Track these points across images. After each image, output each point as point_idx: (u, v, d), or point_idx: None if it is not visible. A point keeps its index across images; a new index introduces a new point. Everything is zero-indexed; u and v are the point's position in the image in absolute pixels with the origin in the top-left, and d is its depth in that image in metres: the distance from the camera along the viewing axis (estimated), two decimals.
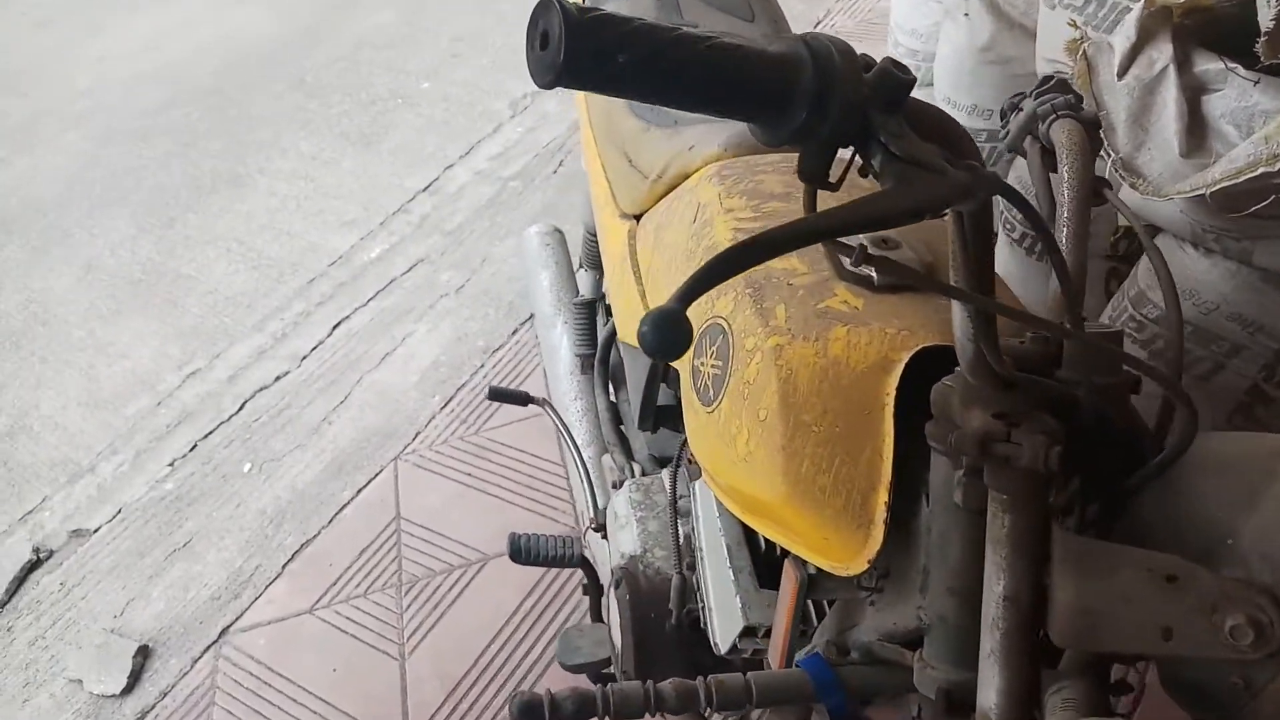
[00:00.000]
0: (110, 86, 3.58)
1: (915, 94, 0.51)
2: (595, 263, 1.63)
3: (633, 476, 1.31)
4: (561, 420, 1.45)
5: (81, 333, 2.56)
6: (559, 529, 1.85)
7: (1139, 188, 1.15)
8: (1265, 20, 1.06)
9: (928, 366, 0.69)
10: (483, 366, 2.26)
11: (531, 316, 2.26)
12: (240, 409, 2.28)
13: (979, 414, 0.59)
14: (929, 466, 0.69)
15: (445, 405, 2.18)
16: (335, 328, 2.46)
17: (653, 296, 1.04)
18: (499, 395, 1.50)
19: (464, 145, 3.03)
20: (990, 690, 0.63)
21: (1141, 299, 1.33)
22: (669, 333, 0.41)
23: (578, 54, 0.45)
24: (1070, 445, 0.58)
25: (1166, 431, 0.65)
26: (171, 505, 2.08)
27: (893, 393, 0.70)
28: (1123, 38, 1.16)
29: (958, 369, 0.63)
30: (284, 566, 1.91)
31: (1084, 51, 1.19)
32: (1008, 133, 0.82)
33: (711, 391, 0.83)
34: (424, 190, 2.88)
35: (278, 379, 2.35)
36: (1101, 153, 1.06)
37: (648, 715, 0.76)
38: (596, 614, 1.36)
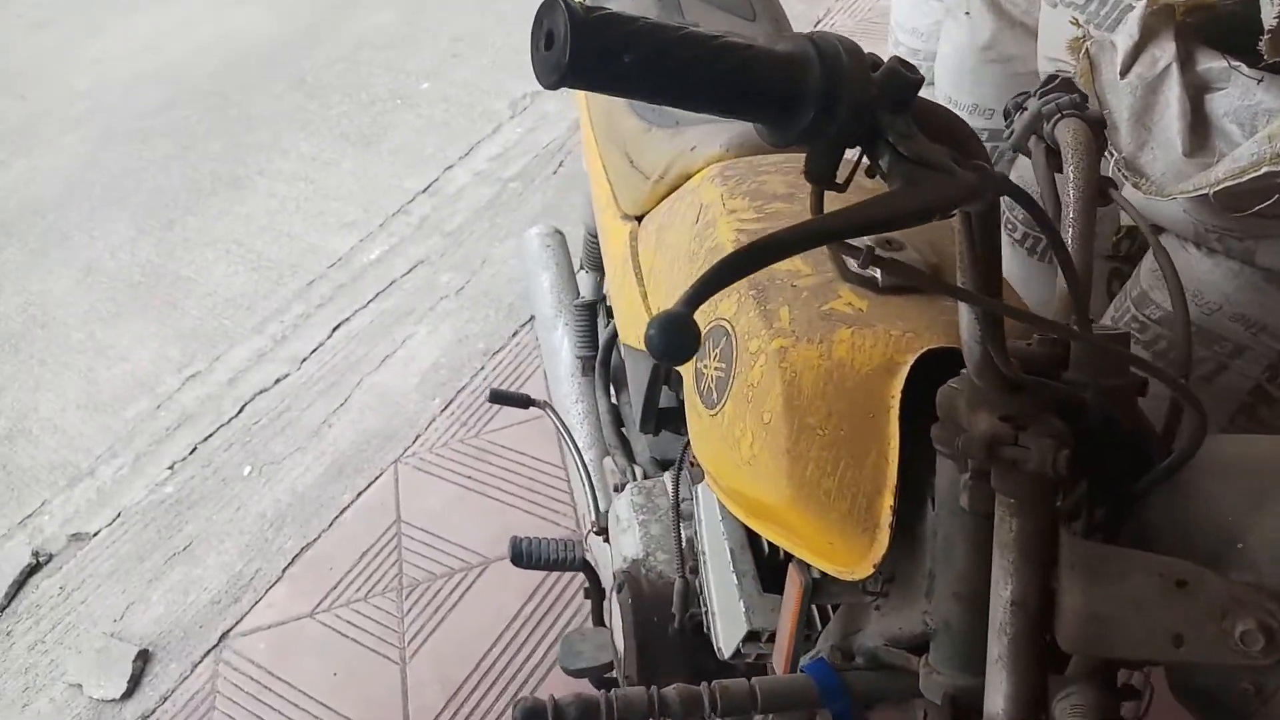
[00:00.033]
0: (109, 88, 3.57)
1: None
2: (596, 264, 1.63)
3: (634, 479, 1.30)
4: (563, 423, 1.44)
5: (81, 335, 2.55)
6: (560, 532, 1.84)
7: (1142, 187, 1.14)
8: (1268, 18, 1.05)
9: (933, 369, 0.69)
10: (483, 369, 2.25)
11: (532, 318, 2.26)
12: (240, 412, 2.28)
13: (986, 417, 0.58)
14: (934, 470, 0.68)
15: (446, 408, 2.17)
16: (335, 330, 2.46)
17: (654, 298, 1.03)
18: (500, 398, 1.50)
19: (464, 146, 3.02)
20: (998, 696, 0.63)
21: (1144, 299, 1.32)
22: (677, 336, 0.40)
23: (583, 53, 0.44)
24: (1078, 448, 0.57)
25: (1174, 434, 0.65)
26: (171, 509, 2.08)
27: (898, 395, 0.69)
28: (1125, 36, 1.15)
29: (964, 371, 0.63)
30: (284, 570, 1.90)
31: (1086, 50, 1.19)
32: (1011, 132, 0.81)
33: (715, 394, 0.82)
34: (424, 191, 2.88)
35: (277, 381, 2.34)
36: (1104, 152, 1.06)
37: None
38: (598, 618, 1.36)
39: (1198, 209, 1.17)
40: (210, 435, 2.23)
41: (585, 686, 1.33)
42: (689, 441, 0.98)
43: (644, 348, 1.06)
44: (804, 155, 0.93)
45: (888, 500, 0.69)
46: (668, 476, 1.16)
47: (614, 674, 1.24)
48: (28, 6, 4.20)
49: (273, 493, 2.06)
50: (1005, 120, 0.84)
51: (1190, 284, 1.25)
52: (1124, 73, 1.14)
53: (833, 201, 0.53)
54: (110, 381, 2.41)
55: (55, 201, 3.06)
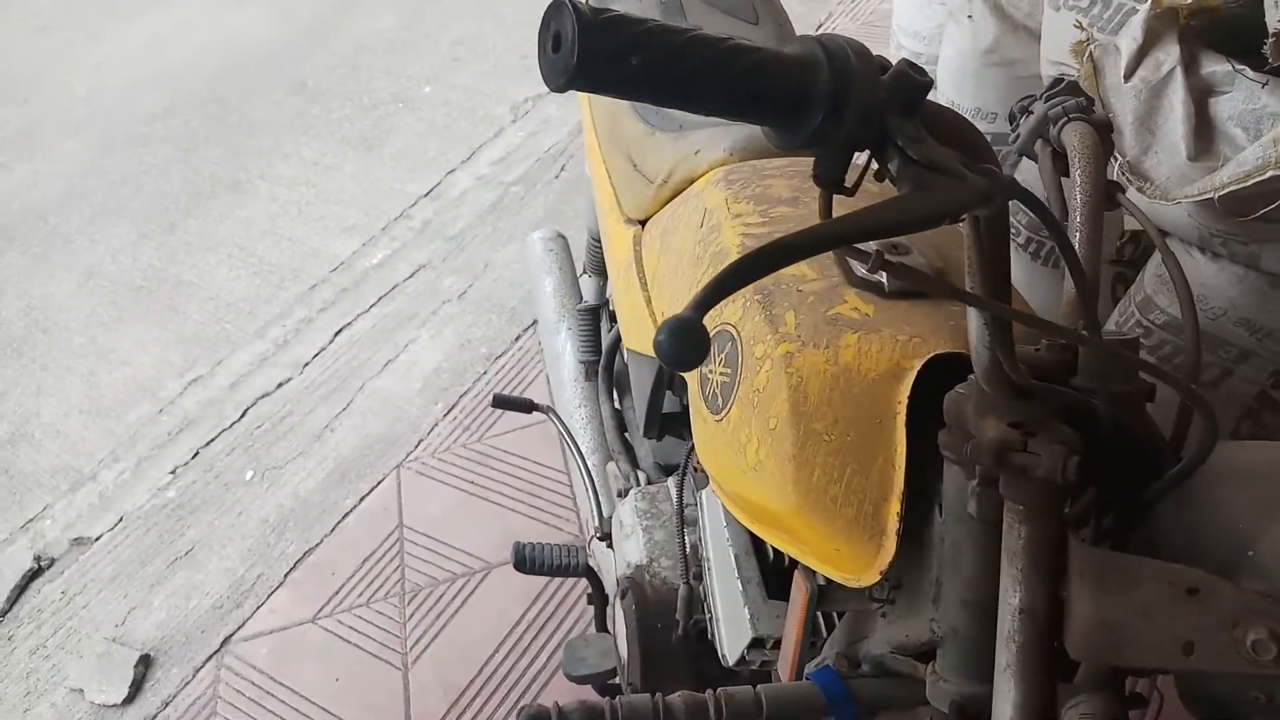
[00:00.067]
0: (109, 92, 3.58)
1: None
2: (599, 268, 1.63)
3: (638, 485, 1.30)
4: (566, 428, 1.44)
5: (82, 340, 2.55)
6: (563, 537, 1.84)
7: (1146, 191, 1.14)
8: (1273, 21, 1.05)
9: (939, 374, 0.68)
10: (485, 373, 2.25)
11: (534, 323, 2.26)
12: (242, 416, 2.27)
13: (994, 423, 0.58)
14: (941, 476, 0.68)
15: (448, 412, 2.17)
16: (337, 334, 2.46)
17: (658, 302, 1.03)
18: (503, 402, 1.49)
19: (466, 150, 3.02)
20: (1006, 704, 0.62)
21: (1149, 304, 1.32)
22: (686, 342, 0.40)
23: (591, 56, 0.44)
24: (1088, 455, 0.57)
25: (1183, 440, 0.64)
26: (173, 513, 2.07)
27: (905, 401, 0.69)
28: (1129, 40, 1.15)
29: (971, 377, 0.62)
30: (286, 575, 1.90)
31: (1090, 53, 1.18)
32: (1017, 135, 0.81)
33: (720, 400, 0.81)
34: (426, 196, 2.88)
35: (280, 386, 2.34)
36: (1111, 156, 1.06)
37: None
38: (601, 624, 1.35)
39: (1202, 213, 1.16)
40: (212, 440, 2.23)
41: (588, 693, 1.33)
42: (693, 447, 0.98)
43: (651, 353, 1.06)
44: (808, 159, 0.92)
45: (894, 507, 0.69)
46: (671, 482, 1.16)
47: (617, 680, 1.24)
48: (30, 12, 4.21)
49: (275, 497, 2.06)
50: (1010, 124, 0.84)
51: (1195, 289, 1.24)
52: (1128, 76, 1.14)
53: (839, 206, 0.53)
54: (112, 386, 2.40)
55: (57, 206, 3.06)
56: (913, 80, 0.48)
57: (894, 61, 0.50)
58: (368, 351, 2.38)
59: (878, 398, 0.70)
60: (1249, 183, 1.01)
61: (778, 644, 0.90)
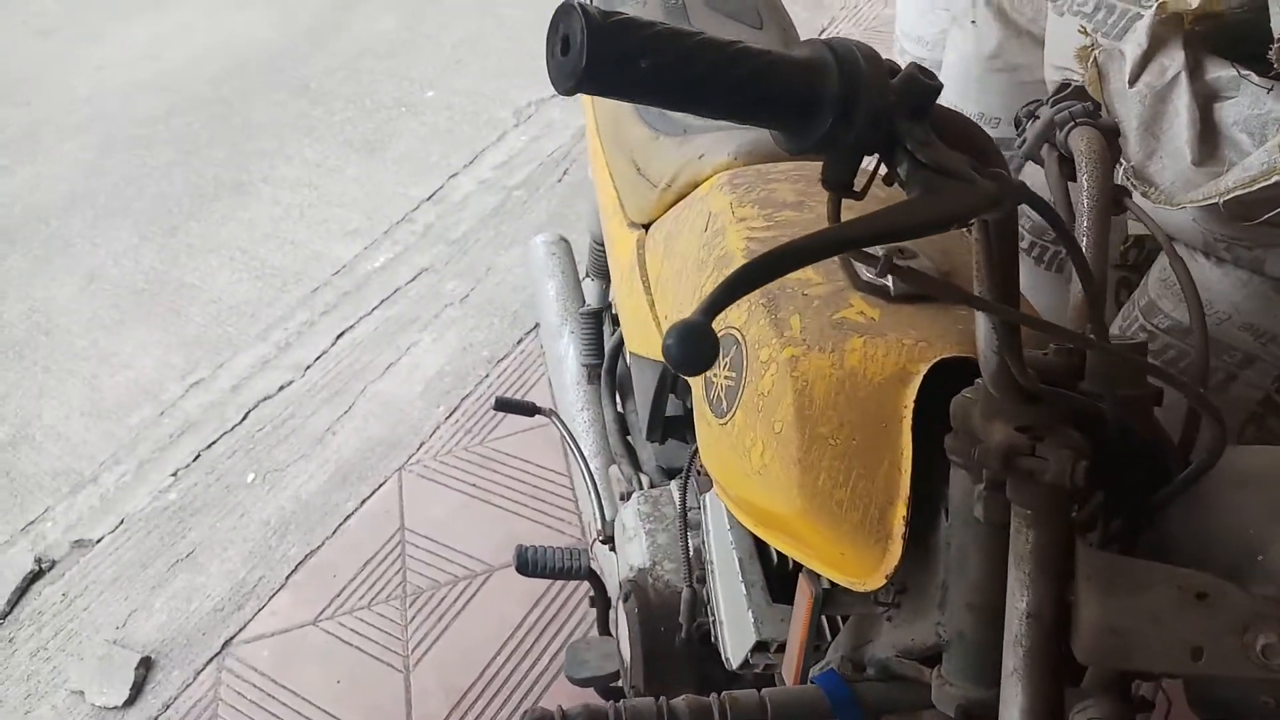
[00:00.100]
0: (110, 95, 3.58)
1: None
2: (601, 272, 1.63)
3: (641, 488, 1.30)
4: (568, 431, 1.44)
5: (84, 342, 2.55)
6: (565, 540, 1.84)
7: (1151, 196, 1.14)
8: (1278, 27, 1.05)
9: (945, 378, 0.68)
10: (487, 376, 2.25)
11: (536, 326, 2.26)
12: (244, 419, 2.27)
13: (1002, 427, 0.58)
14: (947, 480, 0.67)
15: (450, 415, 2.17)
16: (339, 337, 2.45)
17: (661, 306, 1.03)
18: (505, 405, 1.49)
19: (468, 154, 3.02)
20: (1013, 709, 0.62)
21: (1152, 309, 1.32)
22: (694, 346, 0.40)
23: (600, 59, 0.43)
24: (1096, 459, 0.57)
25: (1191, 445, 0.64)
26: (174, 516, 2.07)
27: (911, 405, 0.69)
28: (1134, 45, 1.15)
29: (978, 381, 0.62)
30: (288, 578, 1.89)
31: (1095, 59, 1.18)
32: (1023, 140, 0.81)
33: (725, 403, 0.81)
34: (428, 199, 2.88)
35: (281, 389, 2.34)
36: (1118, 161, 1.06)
37: None
38: (604, 627, 1.35)
39: (1207, 218, 1.16)
40: (214, 442, 2.23)
41: (591, 696, 1.33)
42: (696, 450, 0.98)
43: (656, 357, 1.06)
44: (813, 163, 0.92)
45: (900, 511, 0.69)
46: (674, 485, 1.16)
47: (620, 683, 1.24)
48: (32, 14, 4.21)
49: (276, 500, 2.06)
50: (1016, 128, 0.84)
51: (1199, 293, 1.24)
52: (1133, 81, 1.14)
53: (847, 210, 0.53)
54: (114, 388, 2.40)
55: (58, 208, 3.06)
56: (922, 84, 0.48)
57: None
58: (370, 354, 2.38)
59: (883, 402, 0.70)
60: (1254, 188, 1.01)
61: (781, 647, 0.90)
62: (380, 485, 2.04)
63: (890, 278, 0.68)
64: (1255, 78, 1.07)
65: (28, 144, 3.39)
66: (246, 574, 1.92)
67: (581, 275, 1.72)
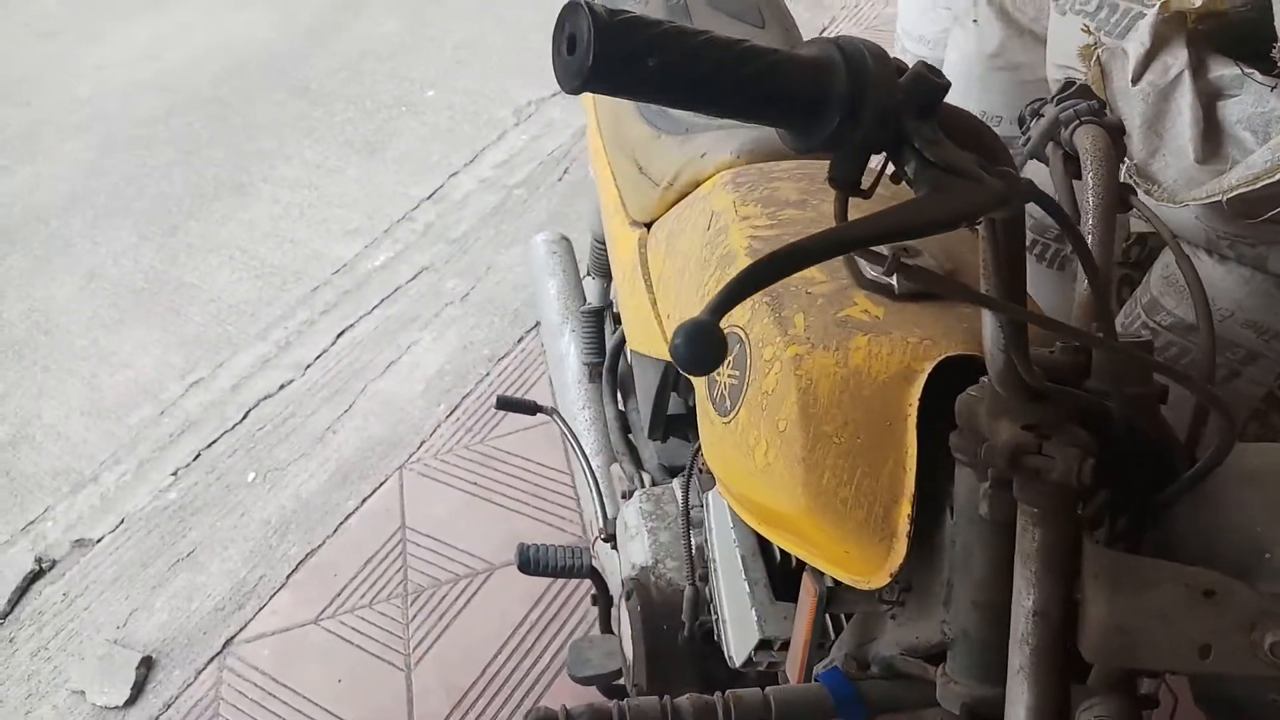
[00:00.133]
0: (111, 95, 3.57)
1: None
2: (602, 270, 1.62)
3: (642, 486, 1.30)
4: (570, 429, 1.44)
5: (84, 342, 2.55)
6: (566, 538, 1.84)
7: (1153, 194, 1.14)
8: None
9: (950, 376, 0.68)
10: (488, 375, 2.25)
11: (537, 325, 2.25)
12: (244, 418, 2.27)
13: (1008, 426, 0.58)
14: (952, 478, 0.67)
15: (450, 414, 2.16)
16: (339, 336, 2.45)
17: (663, 305, 1.03)
18: (507, 404, 1.49)
19: (468, 153, 3.02)
20: (1019, 707, 0.62)
21: (1154, 306, 1.32)
22: (702, 346, 0.40)
23: (607, 58, 0.43)
24: (1102, 457, 0.56)
25: (1197, 442, 0.64)
26: (175, 515, 2.07)
27: (916, 403, 0.69)
28: (1137, 43, 1.15)
29: (984, 379, 0.62)
30: (288, 577, 1.89)
31: (1098, 57, 1.18)
32: (1028, 138, 0.80)
33: (728, 402, 0.81)
34: (428, 198, 2.88)
35: (282, 388, 2.34)
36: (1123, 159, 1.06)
37: None
38: (606, 625, 1.35)
39: (1209, 216, 1.16)
40: (214, 441, 2.22)
41: (593, 695, 1.33)
42: (699, 448, 0.97)
43: (658, 355, 1.06)
44: (816, 162, 0.92)
45: (905, 509, 0.69)
46: (677, 483, 1.16)
47: (622, 682, 1.24)
48: (33, 16, 4.21)
49: (277, 499, 2.05)
50: (1020, 127, 0.83)
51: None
52: (1135, 80, 1.14)
53: (853, 209, 0.52)
54: (114, 388, 2.40)
55: (58, 208, 3.05)
56: (930, 82, 0.48)
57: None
58: (370, 353, 2.38)
59: (888, 400, 0.70)
60: (1257, 185, 1.01)
61: (785, 645, 0.90)
62: (381, 484, 2.04)
63: (894, 276, 0.68)
64: (1258, 76, 1.07)
65: (28, 144, 3.39)
66: (247, 573, 1.92)
67: (583, 273, 1.72)
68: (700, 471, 1.10)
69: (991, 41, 1.56)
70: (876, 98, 0.47)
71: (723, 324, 0.86)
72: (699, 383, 0.89)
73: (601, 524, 1.31)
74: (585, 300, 1.65)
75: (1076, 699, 0.63)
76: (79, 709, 1.75)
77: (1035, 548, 0.59)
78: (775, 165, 0.98)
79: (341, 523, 1.97)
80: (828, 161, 0.50)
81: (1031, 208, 0.52)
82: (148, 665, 1.79)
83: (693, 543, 1.07)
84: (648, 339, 1.07)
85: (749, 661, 0.94)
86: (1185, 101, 1.10)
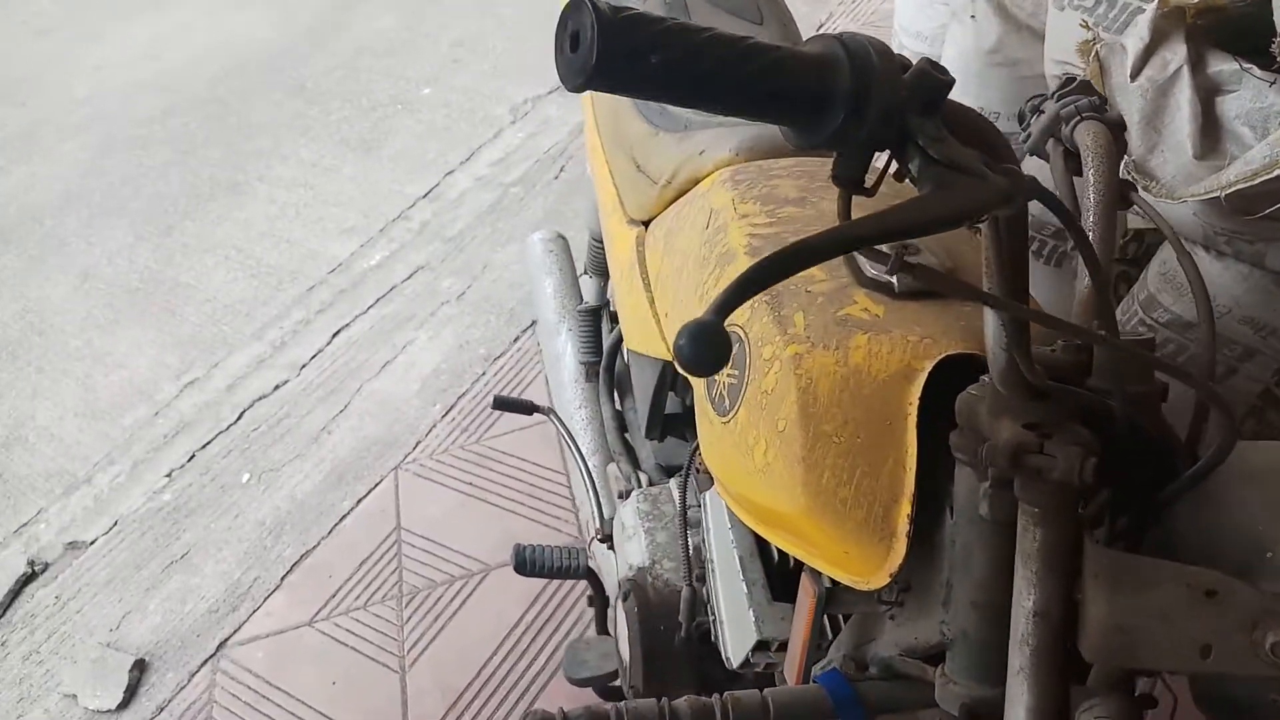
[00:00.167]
0: (108, 95, 3.56)
1: None
2: (599, 269, 1.62)
3: (639, 486, 1.29)
4: (566, 429, 1.43)
5: (78, 342, 2.54)
6: (562, 539, 1.83)
7: (1152, 190, 1.13)
8: None
9: (950, 375, 0.68)
10: (484, 374, 2.24)
11: (533, 324, 2.25)
12: (239, 418, 2.26)
13: (1010, 425, 0.57)
14: (952, 477, 0.67)
15: (446, 414, 2.16)
16: (335, 336, 2.44)
17: (661, 303, 1.02)
18: (504, 404, 1.49)
19: (465, 151, 3.01)
20: (1019, 708, 0.62)
21: (1151, 303, 1.31)
22: (707, 346, 0.39)
23: (610, 55, 0.43)
24: (1104, 456, 0.56)
25: (1197, 441, 0.64)
26: (169, 517, 2.06)
27: (916, 402, 0.68)
28: (1136, 39, 1.14)
29: (984, 378, 0.62)
30: (283, 578, 1.88)
31: (1096, 53, 1.18)
32: (1027, 135, 0.80)
33: (727, 401, 0.81)
34: (424, 197, 2.87)
35: (277, 388, 2.33)
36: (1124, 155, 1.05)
37: None
38: (602, 626, 1.34)
39: (1207, 212, 1.16)
40: (209, 442, 2.21)
41: (589, 696, 1.32)
42: (696, 448, 0.97)
43: (656, 354, 1.05)
44: (816, 159, 0.91)
45: (905, 509, 0.68)
46: (674, 483, 1.15)
47: (619, 683, 1.23)
48: (31, 14, 4.19)
49: (272, 500, 2.05)
50: (1020, 123, 0.83)
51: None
52: (1134, 75, 1.13)
53: (852, 207, 0.52)
54: (108, 389, 2.39)
55: (53, 208, 3.04)
56: (934, 79, 0.47)
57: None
58: (365, 353, 2.37)
59: (888, 399, 0.70)
60: (1256, 181, 1.01)
61: (782, 646, 0.89)
62: (376, 484, 2.03)
63: (895, 274, 0.68)
64: (1257, 71, 1.07)
65: (24, 144, 3.37)
66: (241, 575, 1.91)
67: (579, 272, 1.72)
68: (698, 471, 1.09)
69: (989, 37, 1.56)
70: (881, 94, 0.46)
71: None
72: (697, 382, 0.89)
73: (598, 524, 1.31)
74: (582, 299, 1.65)
75: (1076, 699, 0.63)
76: (71, 712, 1.74)
77: (1036, 547, 0.59)
78: (774, 162, 0.98)
79: (336, 524, 1.96)
80: (826, 158, 0.50)
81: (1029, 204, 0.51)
82: (141, 668, 1.78)
83: (690, 543, 1.07)
84: (645, 338, 1.06)
85: (746, 663, 0.93)
86: (1184, 97, 1.10)
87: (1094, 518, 0.63)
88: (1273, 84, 1.05)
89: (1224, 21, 1.12)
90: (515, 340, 2.31)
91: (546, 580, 1.75)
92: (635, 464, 1.37)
